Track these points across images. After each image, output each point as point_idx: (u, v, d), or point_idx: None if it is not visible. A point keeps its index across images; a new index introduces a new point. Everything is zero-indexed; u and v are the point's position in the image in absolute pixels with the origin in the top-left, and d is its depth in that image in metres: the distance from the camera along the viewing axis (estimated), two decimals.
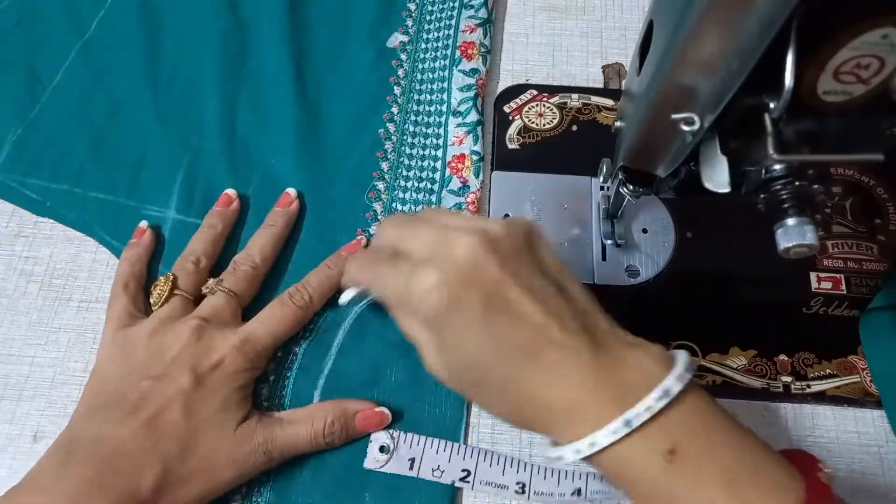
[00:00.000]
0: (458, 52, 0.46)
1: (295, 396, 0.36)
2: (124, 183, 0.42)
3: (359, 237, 0.39)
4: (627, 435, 0.24)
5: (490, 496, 0.33)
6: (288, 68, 0.45)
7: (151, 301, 0.36)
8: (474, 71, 0.45)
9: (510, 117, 0.44)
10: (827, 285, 0.38)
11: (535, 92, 0.45)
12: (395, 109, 0.44)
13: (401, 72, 0.46)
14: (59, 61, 0.46)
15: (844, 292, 0.38)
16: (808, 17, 0.20)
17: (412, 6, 0.48)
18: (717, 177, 0.26)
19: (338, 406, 0.34)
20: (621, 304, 0.38)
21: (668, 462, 0.23)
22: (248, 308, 0.37)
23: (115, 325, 0.35)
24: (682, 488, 0.23)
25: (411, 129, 0.44)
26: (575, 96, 0.44)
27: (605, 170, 0.39)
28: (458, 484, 0.33)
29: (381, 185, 0.42)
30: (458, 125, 0.43)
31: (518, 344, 0.26)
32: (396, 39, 0.47)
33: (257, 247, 0.38)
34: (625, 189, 0.33)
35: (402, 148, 0.43)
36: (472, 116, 0.43)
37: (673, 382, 0.24)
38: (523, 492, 0.33)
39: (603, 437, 0.24)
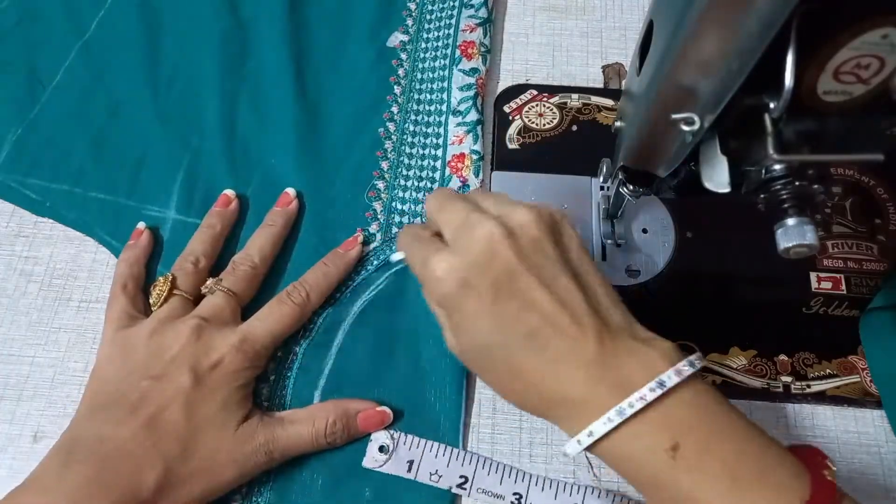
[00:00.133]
0: (458, 52, 0.46)
1: (295, 396, 0.36)
2: (124, 183, 0.42)
3: (357, 233, 0.39)
4: (624, 424, 0.24)
5: None
6: (288, 68, 0.45)
7: (151, 301, 0.36)
8: (474, 70, 0.45)
9: (510, 117, 0.44)
10: (827, 285, 0.38)
11: (535, 92, 0.45)
12: (395, 109, 0.44)
13: (401, 71, 0.46)
14: (59, 61, 0.46)
15: (844, 292, 0.38)
16: (808, 17, 0.20)
17: (412, 6, 0.48)
18: (717, 177, 0.26)
19: (339, 406, 0.34)
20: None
21: (670, 457, 0.24)
22: (248, 308, 0.37)
23: (114, 326, 0.35)
24: (685, 483, 0.23)
25: (411, 128, 0.44)
26: (575, 96, 0.44)
27: (605, 170, 0.39)
28: (454, 490, 0.33)
29: (380, 185, 0.42)
30: (458, 124, 0.43)
31: (526, 332, 0.26)
32: (396, 39, 0.47)
33: (256, 246, 0.38)
34: (625, 189, 0.33)
35: (402, 147, 0.43)
36: (472, 116, 0.43)
37: (669, 375, 0.24)
38: (520, 503, 0.33)
39: (598, 426, 0.24)
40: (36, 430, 0.36)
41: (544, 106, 0.44)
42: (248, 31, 0.47)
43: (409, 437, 0.34)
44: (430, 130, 0.43)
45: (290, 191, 0.40)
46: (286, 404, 0.36)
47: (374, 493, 0.33)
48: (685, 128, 0.24)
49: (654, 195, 0.37)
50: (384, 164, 0.42)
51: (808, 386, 0.36)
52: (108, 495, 0.28)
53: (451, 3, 0.48)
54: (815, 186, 0.24)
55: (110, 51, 0.46)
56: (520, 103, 0.44)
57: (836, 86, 0.21)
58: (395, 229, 0.40)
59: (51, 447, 0.31)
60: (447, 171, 0.42)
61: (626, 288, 0.38)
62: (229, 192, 0.40)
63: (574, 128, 0.43)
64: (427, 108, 0.44)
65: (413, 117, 0.44)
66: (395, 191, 0.41)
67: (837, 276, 0.39)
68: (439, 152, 0.43)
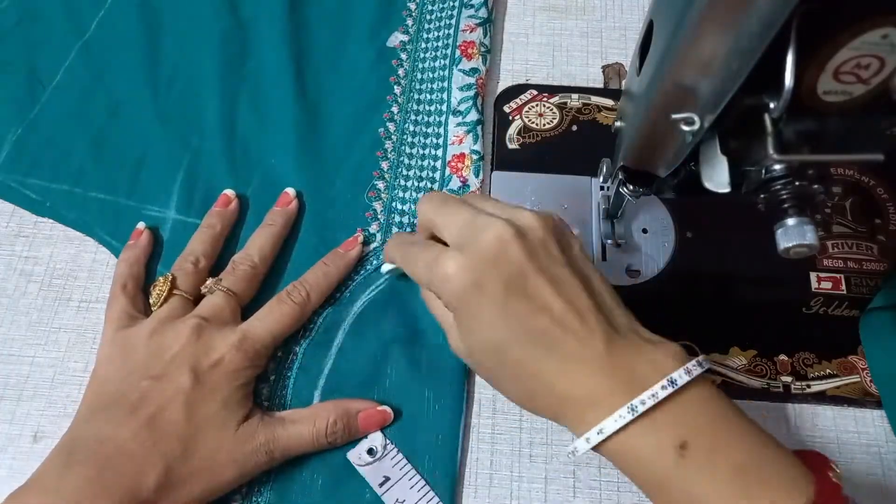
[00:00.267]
0: (458, 52, 0.46)
1: (295, 396, 0.36)
2: (124, 183, 0.42)
3: (357, 233, 0.39)
4: (634, 422, 0.24)
5: None
6: (288, 68, 0.45)
7: (151, 301, 0.36)
8: (474, 70, 0.45)
9: (510, 117, 0.44)
10: (827, 285, 0.38)
11: (535, 92, 0.45)
12: (395, 109, 0.44)
13: (401, 71, 0.46)
14: (59, 61, 0.46)
15: (844, 292, 0.38)
16: (808, 17, 0.20)
17: (412, 6, 0.48)
18: (717, 177, 0.26)
19: (340, 406, 0.34)
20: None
21: (679, 455, 0.24)
22: (248, 307, 0.37)
23: (114, 326, 0.35)
24: (693, 482, 0.24)
25: (411, 128, 0.44)
26: (575, 96, 0.44)
27: (605, 170, 0.39)
28: None
29: (381, 185, 0.42)
30: (458, 124, 0.43)
31: (535, 331, 0.26)
32: (396, 39, 0.47)
33: (256, 246, 0.38)
34: (625, 189, 0.33)
35: (402, 147, 0.43)
36: (472, 116, 0.43)
37: (680, 374, 0.25)
38: None
39: (609, 423, 0.24)
40: (36, 430, 0.36)
41: (544, 106, 0.44)
42: (248, 31, 0.47)
43: (400, 456, 0.34)
44: (430, 130, 0.43)
45: (290, 191, 0.40)
46: (286, 404, 0.36)
47: (374, 493, 0.33)
48: (685, 128, 0.24)
49: (654, 195, 0.37)
50: (384, 164, 0.42)
51: (808, 386, 0.36)
52: (109, 496, 0.28)
53: (451, 3, 0.48)
54: (815, 186, 0.24)
55: (110, 51, 0.46)
56: (520, 103, 0.44)
57: (836, 86, 0.21)
58: (395, 229, 0.40)
59: (51, 447, 0.31)
60: (447, 171, 0.42)
61: (626, 288, 0.38)
62: (229, 192, 0.40)
63: (574, 128, 0.43)
64: (427, 108, 0.44)
65: (413, 117, 0.44)
66: (396, 191, 0.41)
67: (837, 276, 0.39)
68: (439, 152, 0.43)
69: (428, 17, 0.48)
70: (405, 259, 0.31)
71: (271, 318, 0.35)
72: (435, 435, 0.35)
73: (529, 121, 0.44)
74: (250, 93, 0.45)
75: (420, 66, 0.46)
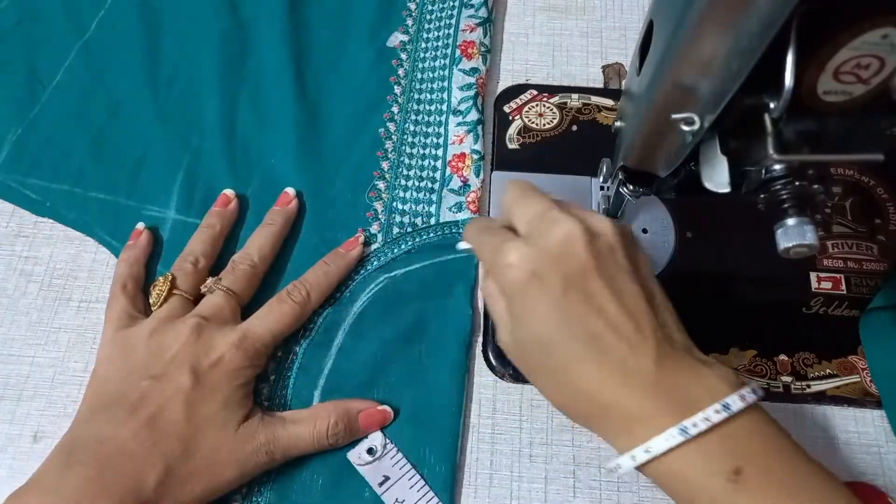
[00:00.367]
0: (458, 52, 0.46)
1: (295, 396, 0.36)
2: (124, 183, 0.42)
3: (358, 234, 0.39)
4: (684, 444, 0.24)
5: None
6: (288, 68, 0.45)
7: (150, 301, 0.36)
8: (474, 70, 0.45)
9: (510, 117, 0.44)
10: (827, 285, 0.38)
11: (535, 92, 0.45)
12: (395, 109, 0.44)
13: (401, 71, 0.46)
14: (59, 61, 0.46)
15: (844, 292, 0.38)
16: (808, 17, 0.20)
17: (412, 5, 0.48)
18: (717, 177, 0.26)
19: (340, 406, 0.34)
20: None
21: (731, 481, 0.23)
22: (248, 307, 0.37)
23: (114, 326, 0.35)
24: None
25: (412, 128, 0.44)
26: (575, 96, 0.44)
27: (605, 170, 0.39)
28: None
29: (381, 185, 0.42)
30: (459, 124, 0.43)
31: (589, 333, 0.26)
32: (396, 39, 0.47)
33: (256, 246, 0.38)
34: (625, 189, 0.33)
35: (403, 147, 0.43)
36: (473, 115, 0.43)
37: (735, 399, 0.24)
38: None
39: (658, 443, 0.24)
40: (36, 430, 0.36)
41: (544, 106, 0.44)
42: (248, 31, 0.47)
43: (399, 455, 0.34)
44: (430, 130, 0.43)
45: (290, 190, 0.40)
46: (286, 404, 0.36)
47: (374, 492, 0.33)
48: (685, 128, 0.24)
49: (654, 195, 0.37)
50: (385, 164, 0.42)
51: (808, 386, 0.36)
52: (109, 496, 0.28)
53: (451, 3, 0.48)
54: (815, 186, 0.24)
55: (110, 51, 0.46)
56: (520, 103, 0.44)
57: (836, 86, 0.21)
58: (395, 229, 0.40)
59: (51, 448, 0.31)
60: (448, 170, 0.42)
61: None
62: (229, 192, 0.40)
63: (574, 128, 0.43)
64: (427, 107, 0.44)
65: (413, 117, 0.44)
66: (396, 191, 0.41)
67: (837, 276, 0.39)
68: (440, 152, 0.43)
69: (428, 16, 0.48)
70: (476, 241, 0.31)
71: (271, 317, 0.35)
72: (435, 435, 0.35)
73: (529, 121, 0.44)
74: (250, 93, 0.45)
75: (420, 65, 0.46)
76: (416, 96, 0.45)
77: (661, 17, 0.24)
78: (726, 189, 0.26)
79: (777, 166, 0.24)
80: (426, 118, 0.44)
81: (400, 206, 0.41)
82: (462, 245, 0.35)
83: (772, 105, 0.22)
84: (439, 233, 0.40)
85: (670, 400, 0.25)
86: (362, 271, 0.39)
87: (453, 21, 0.47)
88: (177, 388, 0.31)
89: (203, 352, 0.33)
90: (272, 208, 0.40)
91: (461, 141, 0.43)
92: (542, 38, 0.47)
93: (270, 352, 0.35)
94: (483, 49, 0.45)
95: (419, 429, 0.35)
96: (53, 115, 0.44)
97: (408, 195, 0.41)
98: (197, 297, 0.36)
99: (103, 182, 0.42)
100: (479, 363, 0.37)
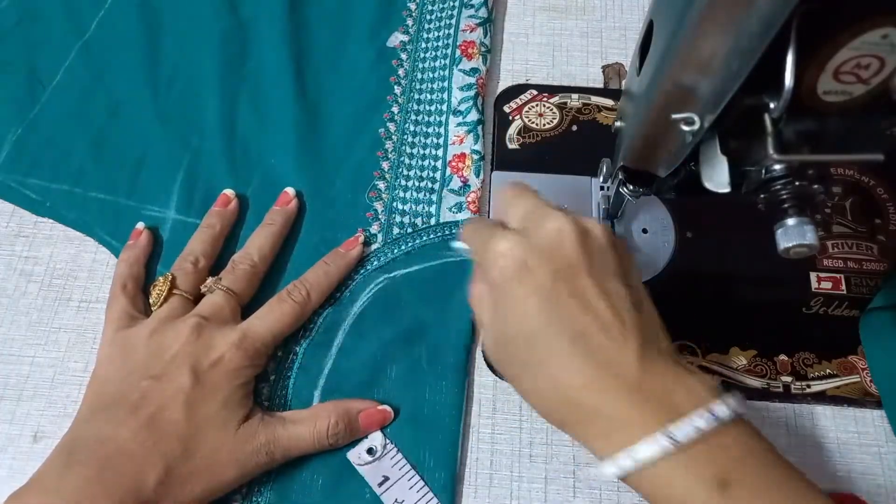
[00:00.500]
0: (458, 52, 0.46)
1: (295, 396, 0.36)
2: (124, 183, 0.42)
3: (358, 234, 0.39)
4: (673, 454, 0.23)
5: None
6: (288, 68, 0.45)
7: (150, 301, 0.36)
8: (474, 70, 0.45)
9: (510, 117, 0.44)
10: (827, 285, 0.38)
11: (535, 92, 0.45)
12: (395, 109, 0.44)
13: (401, 71, 0.46)
14: (59, 61, 0.46)
15: (844, 292, 0.38)
16: (808, 17, 0.20)
17: (412, 5, 0.48)
18: (717, 177, 0.26)
19: (340, 406, 0.34)
20: None
21: (718, 492, 0.23)
22: (248, 307, 0.37)
23: (114, 326, 0.35)
24: None
25: (412, 128, 0.44)
26: (575, 96, 0.44)
27: (605, 170, 0.39)
28: None
29: (381, 185, 0.42)
30: (459, 124, 0.43)
31: (575, 330, 0.26)
32: (397, 39, 0.47)
33: (256, 245, 0.38)
34: (625, 189, 0.33)
35: (403, 147, 0.43)
36: (473, 116, 0.43)
37: (724, 409, 0.24)
38: None
39: (644, 449, 0.23)
40: (36, 430, 0.36)
41: (544, 106, 0.44)
42: (248, 31, 0.47)
43: (399, 455, 0.34)
44: (430, 130, 0.43)
45: (290, 190, 0.40)
46: (286, 404, 0.36)
47: (373, 492, 0.33)
48: (685, 128, 0.24)
49: (654, 195, 0.37)
50: (385, 165, 0.42)
51: (808, 386, 0.36)
52: (109, 496, 0.28)
53: (452, 3, 0.48)
54: (815, 186, 0.24)
55: (110, 51, 0.46)
56: (520, 103, 0.44)
57: (836, 86, 0.21)
58: (396, 230, 0.40)
59: (51, 448, 0.31)
60: (448, 170, 0.42)
61: None
62: (229, 192, 0.40)
63: (574, 128, 0.43)
64: (427, 108, 0.44)
65: (413, 117, 0.44)
66: (396, 191, 0.41)
67: (837, 276, 0.39)
68: (440, 152, 0.43)
69: (428, 17, 0.48)
70: (469, 234, 0.31)
71: (272, 316, 0.35)
72: (435, 435, 0.35)
73: (529, 121, 0.44)
74: (250, 93, 0.45)
75: (420, 65, 0.46)
76: (417, 96, 0.45)
77: (661, 17, 0.24)
78: (726, 189, 0.26)
79: (777, 166, 0.24)
80: (426, 118, 0.44)
81: (400, 207, 0.41)
82: (458, 243, 0.36)
83: (772, 105, 0.22)
84: (439, 233, 0.40)
85: (655, 405, 0.24)
86: (362, 271, 0.39)
87: (453, 21, 0.47)
88: (177, 388, 0.31)
89: (203, 351, 0.33)
90: (272, 208, 0.40)
91: (461, 141, 0.43)
92: (542, 38, 0.47)
93: (271, 351, 0.35)
94: (483, 49, 0.45)
95: (419, 429, 0.35)
96: (53, 115, 0.44)
97: (408, 195, 0.41)
98: (197, 297, 0.36)
99: (103, 182, 0.42)
100: (479, 363, 0.37)
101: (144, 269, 0.38)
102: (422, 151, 0.43)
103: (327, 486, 0.34)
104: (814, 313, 0.38)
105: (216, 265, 0.38)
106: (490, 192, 0.42)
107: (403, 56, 0.46)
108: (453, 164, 0.42)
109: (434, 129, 0.43)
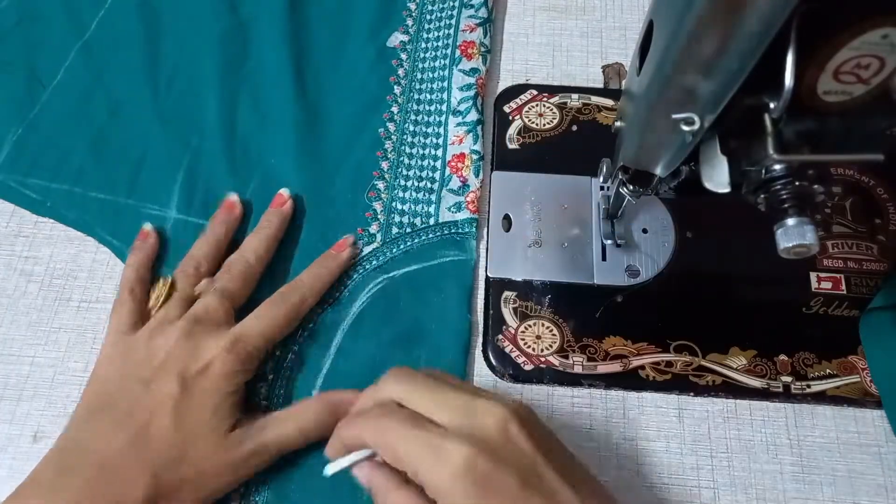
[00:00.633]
0: (458, 52, 0.46)
1: (294, 396, 0.36)
2: (124, 182, 0.42)
3: (346, 236, 0.39)
4: None
5: None
6: (288, 68, 0.45)
7: (150, 305, 0.36)
8: (474, 70, 0.45)
9: (510, 117, 0.44)
10: (827, 285, 0.38)
11: (535, 92, 0.45)
12: (395, 109, 0.44)
13: (401, 71, 0.46)
14: (59, 61, 0.46)
15: (844, 292, 0.38)
16: (808, 17, 0.20)
17: (412, 5, 0.48)
18: (717, 177, 0.26)
19: (324, 398, 0.34)
20: (621, 304, 0.38)
21: None
22: (245, 308, 0.36)
23: (118, 329, 0.34)
24: None
25: (411, 128, 0.44)
26: (575, 96, 0.44)
27: (605, 170, 0.38)
28: None
29: (381, 185, 0.42)
30: (458, 124, 0.43)
31: None
32: (396, 39, 0.47)
33: (251, 247, 0.38)
34: (625, 189, 0.33)
35: (402, 147, 0.43)
36: (472, 115, 0.43)
37: None
38: None
39: None
40: (36, 430, 0.36)
41: (544, 106, 0.44)
42: (248, 31, 0.47)
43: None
44: (430, 130, 0.43)
45: (284, 191, 0.40)
46: (284, 404, 0.36)
47: None
48: (685, 128, 0.24)
49: (654, 195, 0.37)
50: (384, 164, 0.42)
51: (808, 386, 0.36)
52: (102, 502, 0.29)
53: (451, 3, 0.48)
54: (815, 186, 0.24)
55: (110, 51, 0.46)
56: (520, 103, 0.44)
57: (836, 86, 0.21)
58: (395, 229, 0.40)
59: (49, 448, 0.31)
60: (447, 170, 0.42)
61: (626, 288, 0.38)
62: (233, 198, 0.40)
63: (574, 128, 0.43)
64: (427, 107, 0.44)
65: (413, 117, 0.44)
66: (396, 191, 0.41)
67: (837, 276, 0.39)
68: (439, 152, 0.43)
69: (428, 16, 0.48)
70: (395, 443, 0.26)
71: (264, 320, 0.35)
72: None
73: (529, 121, 0.44)
74: (250, 93, 0.45)
75: (420, 65, 0.46)
76: (416, 96, 0.45)
77: (661, 17, 0.24)
78: (726, 189, 0.26)
79: (777, 166, 0.24)
80: (426, 118, 0.44)
81: (399, 206, 0.41)
82: (335, 467, 0.29)
83: (772, 105, 0.22)
84: (438, 233, 0.40)
85: None
86: (361, 271, 0.39)
87: (453, 21, 0.47)
88: (165, 394, 0.31)
89: (192, 357, 0.32)
90: (268, 210, 0.40)
91: (461, 141, 0.43)
92: (542, 38, 0.47)
93: (263, 355, 0.35)
94: (483, 49, 0.45)
95: None
96: (53, 115, 0.44)
97: (407, 195, 0.41)
98: (196, 300, 0.36)
99: (103, 182, 0.42)
100: (480, 363, 0.37)
101: (151, 272, 0.38)
102: (421, 151, 0.43)
103: (326, 486, 0.33)
104: (814, 313, 0.38)
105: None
106: (490, 192, 0.42)
107: (403, 56, 0.46)
108: (452, 163, 0.42)
109: (433, 129, 0.43)
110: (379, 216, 0.41)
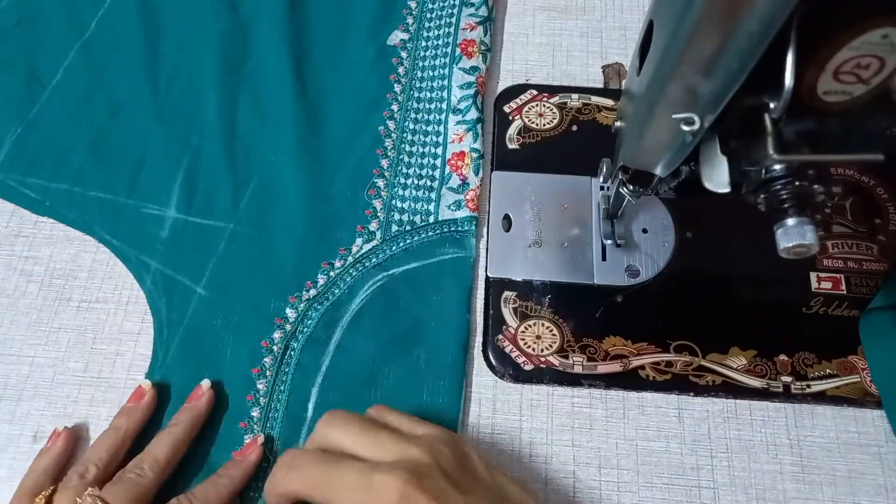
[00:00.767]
0: (458, 50, 0.46)
1: (293, 394, 0.36)
2: (124, 182, 0.42)
3: (258, 436, 0.35)
4: None
5: None
6: (288, 68, 0.45)
7: None
8: (474, 69, 0.45)
9: (510, 117, 0.44)
10: (827, 285, 0.38)
11: (535, 92, 0.45)
12: (395, 107, 0.44)
13: (401, 69, 0.46)
14: (59, 61, 0.46)
15: (844, 292, 0.38)
16: (808, 17, 0.20)
17: (413, 4, 0.48)
18: (717, 177, 0.26)
19: (210, 480, 0.33)
20: (621, 304, 0.38)
21: None
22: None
23: None
24: None
25: (411, 126, 0.44)
26: (575, 96, 0.44)
27: (605, 170, 0.38)
28: None
29: (380, 183, 0.42)
30: (458, 122, 0.43)
31: None
32: (397, 37, 0.47)
33: (153, 454, 0.33)
34: (625, 189, 0.33)
35: (402, 145, 0.43)
36: (472, 114, 0.43)
37: None
38: None
39: None
40: (36, 430, 0.36)
41: (544, 106, 0.44)
42: (248, 31, 0.47)
43: None
44: (430, 128, 0.43)
45: (204, 383, 0.36)
46: (284, 401, 0.36)
47: None
48: (685, 128, 0.24)
49: (654, 195, 0.37)
50: (384, 162, 0.42)
51: (808, 386, 0.36)
52: None
53: (452, 2, 0.48)
54: (815, 186, 0.24)
55: (110, 51, 0.46)
56: (520, 103, 0.44)
57: (836, 86, 0.21)
58: (394, 227, 0.40)
59: None
60: (447, 168, 0.42)
61: (626, 288, 0.38)
62: (144, 385, 0.36)
63: (574, 128, 0.43)
64: (427, 106, 0.44)
65: (413, 115, 0.44)
66: (395, 189, 0.41)
67: (837, 276, 0.39)
68: (439, 150, 0.43)
69: (428, 15, 0.48)
70: (330, 476, 0.27)
71: None
72: None
73: (529, 121, 0.44)
74: (250, 92, 0.45)
75: (420, 64, 0.46)
76: (416, 94, 0.45)
77: (661, 17, 0.24)
78: (726, 189, 0.26)
79: (777, 166, 0.24)
80: (426, 116, 0.44)
81: (399, 204, 0.41)
82: None
83: (772, 105, 0.22)
84: (438, 231, 0.40)
85: None
86: (360, 268, 0.39)
87: (453, 20, 0.47)
88: None
89: None
90: (182, 406, 0.35)
91: (460, 139, 0.43)
92: (542, 38, 0.47)
93: None
94: (483, 48, 0.45)
95: None
96: (53, 115, 0.44)
97: (407, 193, 0.41)
98: None
99: (103, 181, 0.42)
100: (479, 363, 0.37)
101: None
102: (421, 149, 0.43)
103: None
104: (814, 313, 0.38)
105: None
106: (490, 191, 0.42)
107: (403, 54, 0.46)
108: (452, 161, 0.42)
109: (433, 127, 0.43)
110: (379, 214, 0.41)
